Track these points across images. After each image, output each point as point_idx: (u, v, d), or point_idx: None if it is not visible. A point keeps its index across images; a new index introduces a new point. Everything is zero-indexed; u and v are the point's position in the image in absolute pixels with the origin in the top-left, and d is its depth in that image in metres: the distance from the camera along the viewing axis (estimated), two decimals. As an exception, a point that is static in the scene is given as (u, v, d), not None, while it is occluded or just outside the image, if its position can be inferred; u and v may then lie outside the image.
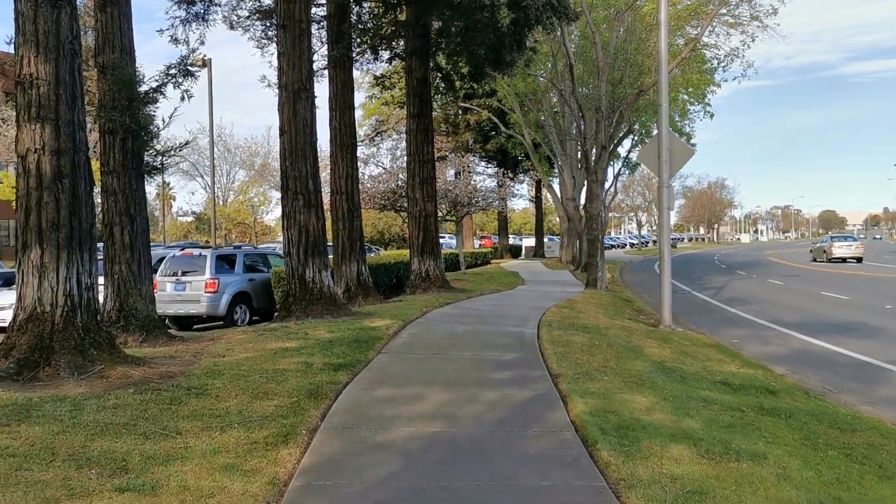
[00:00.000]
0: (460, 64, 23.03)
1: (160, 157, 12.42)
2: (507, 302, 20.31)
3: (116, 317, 11.99)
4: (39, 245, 8.43)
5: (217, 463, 5.72)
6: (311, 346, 11.26)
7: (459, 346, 11.85)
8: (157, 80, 12.04)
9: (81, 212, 8.69)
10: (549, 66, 33.66)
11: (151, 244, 48.57)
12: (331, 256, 19.07)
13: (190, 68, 11.95)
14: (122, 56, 11.98)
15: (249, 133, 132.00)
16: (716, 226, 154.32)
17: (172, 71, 11.90)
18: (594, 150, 26.06)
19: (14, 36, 8.60)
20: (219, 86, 71.36)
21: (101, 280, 14.33)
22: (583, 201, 42.30)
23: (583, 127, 26.85)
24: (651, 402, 8.22)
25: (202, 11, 18.18)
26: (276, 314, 19.02)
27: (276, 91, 15.83)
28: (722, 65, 29.04)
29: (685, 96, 33.80)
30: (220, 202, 63.80)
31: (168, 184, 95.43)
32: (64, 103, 8.56)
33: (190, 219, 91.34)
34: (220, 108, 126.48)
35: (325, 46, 22.39)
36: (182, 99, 12.12)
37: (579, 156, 39.04)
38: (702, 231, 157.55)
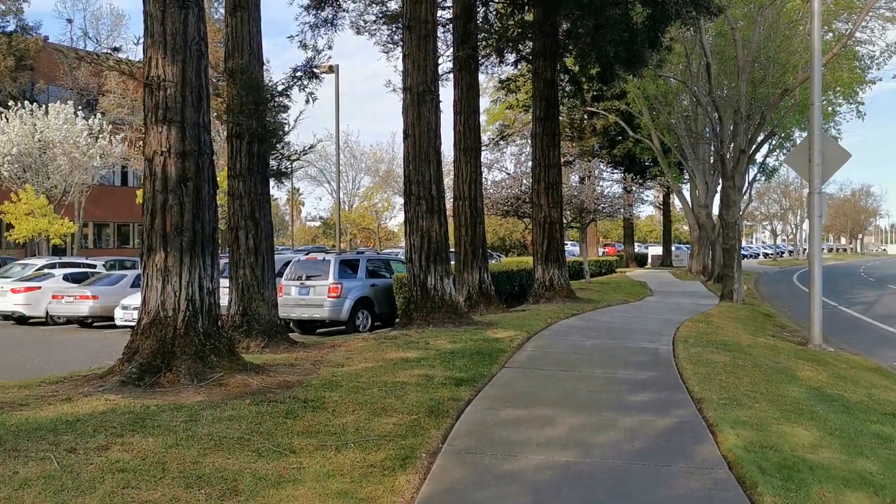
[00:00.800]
0: (588, 65, 22.16)
1: (285, 161, 12.31)
2: (636, 314, 19.27)
3: (239, 321, 11.94)
4: (163, 248, 8.34)
5: (331, 488, 5.27)
6: (432, 357, 10.79)
7: (589, 363, 11.08)
8: (283, 84, 11.93)
9: (205, 215, 8.56)
10: (681, 66, 32.11)
11: (280, 248, 49.71)
12: (452, 263, 18.69)
13: (315, 70, 11.79)
14: (250, 60, 11.95)
15: (375, 140, 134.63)
16: (859, 236, 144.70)
17: (298, 74, 11.77)
18: (731, 154, 24.51)
19: (143, 37, 8.57)
20: (345, 95, 73.04)
21: (225, 283, 14.56)
22: (716, 209, 40.28)
23: (719, 130, 25.30)
24: (815, 436, 7.21)
25: (330, 16, 18.20)
26: (397, 320, 18.82)
27: (401, 95, 15.56)
28: (876, 62, 26.73)
29: (831, 96, 31.42)
30: (346, 207, 65.12)
31: (297, 189, 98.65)
32: (190, 105, 8.45)
33: (317, 223, 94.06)
34: (346, 116, 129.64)
35: (450, 50, 22.08)
36: (307, 101, 11.99)
37: (713, 160, 37.17)
38: (843, 241, 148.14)
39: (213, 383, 7.99)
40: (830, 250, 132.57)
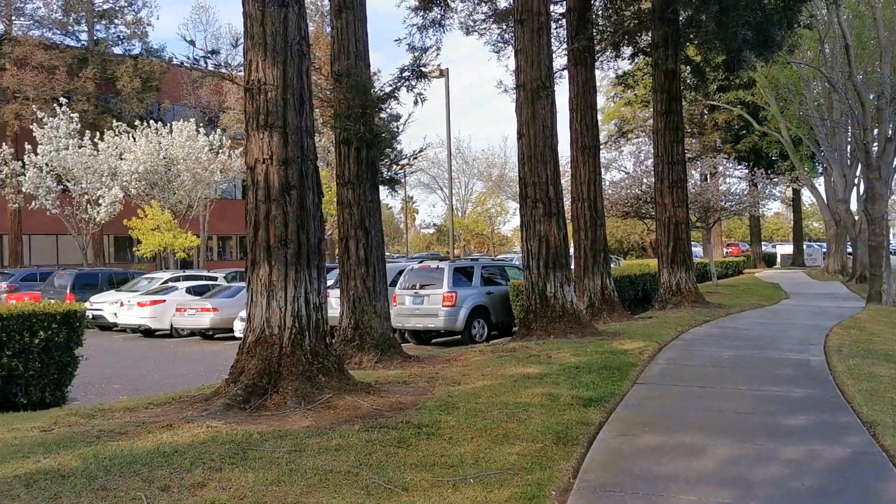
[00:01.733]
0: (713, 53, 20.70)
1: (395, 167, 11.75)
2: (774, 320, 17.69)
3: (351, 335, 11.45)
4: (267, 262, 7.87)
5: (448, 539, 4.53)
6: (556, 372, 9.92)
7: (731, 378, 9.92)
8: (390, 85, 11.38)
9: (309, 225, 8.04)
10: (813, 52, 29.86)
11: (395, 256, 50.05)
12: (571, 268, 17.70)
13: (423, 69, 11.17)
14: (356, 62, 11.47)
15: (486, 145, 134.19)
16: None
17: (405, 73, 11.17)
18: (876, 143, 22.37)
19: (242, 40, 8.16)
20: (455, 100, 72.92)
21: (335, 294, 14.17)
22: (854, 203, 37.35)
23: (860, 117, 23.17)
24: None
25: (438, 17, 17.63)
26: (514, 329, 18.00)
27: (513, 94, 14.76)
28: None
29: None
30: (459, 214, 64.84)
31: (411, 197, 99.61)
32: (291, 109, 7.96)
33: (431, 230, 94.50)
34: (457, 121, 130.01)
35: (563, 46, 21.13)
36: (416, 103, 11.39)
37: (852, 151, 34.44)
38: None
39: (322, 405, 7.43)
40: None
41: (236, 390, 7.52)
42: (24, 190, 36.09)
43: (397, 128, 11.83)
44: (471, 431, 6.83)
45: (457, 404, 7.87)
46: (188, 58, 8.60)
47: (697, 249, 44.54)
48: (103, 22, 53.51)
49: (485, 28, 21.11)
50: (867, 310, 20.22)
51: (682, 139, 20.45)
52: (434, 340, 19.54)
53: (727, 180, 33.27)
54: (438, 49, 12.69)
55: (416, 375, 10.00)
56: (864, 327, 15.60)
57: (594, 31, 18.97)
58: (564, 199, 20.13)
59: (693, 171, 33.85)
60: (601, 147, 21.49)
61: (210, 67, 8.27)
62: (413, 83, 11.28)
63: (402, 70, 11.20)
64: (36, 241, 51.31)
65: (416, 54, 11.23)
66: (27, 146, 35.94)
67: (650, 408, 8.22)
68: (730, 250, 66.16)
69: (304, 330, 7.91)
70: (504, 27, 21.16)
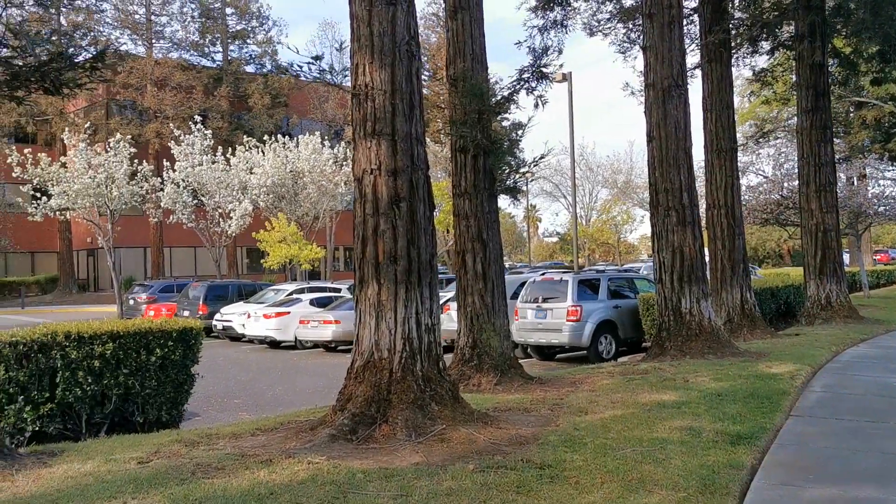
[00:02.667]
0: (865, 44, 18.82)
1: (514, 175, 11.02)
2: (945, 338, 15.72)
3: (469, 355, 10.78)
4: (376, 280, 7.30)
5: None
6: (695, 400, 8.88)
7: (905, 410, 8.57)
8: (508, 89, 10.67)
9: (420, 240, 7.42)
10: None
11: (518, 265, 49.08)
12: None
13: (543, 70, 10.39)
14: (472, 65, 10.83)
15: (611, 150, 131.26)
16: None
17: (525, 75, 10.43)
18: None
19: (349, 42, 7.65)
20: (579, 107, 71.41)
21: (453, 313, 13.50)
22: None
23: None
24: None
25: (560, 17, 16.78)
26: (643, 345, 16.84)
27: (640, 96, 13.75)
28: None
29: None
30: (583, 222, 63.31)
31: (534, 206, 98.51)
32: (400, 114, 7.38)
33: (554, 239, 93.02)
34: (580, 128, 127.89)
35: (694, 43, 19.80)
36: (536, 106, 10.64)
37: None
38: None
39: (434, 438, 6.76)
40: None
41: (343, 419, 6.98)
42: (162, 205, 37.78)
43: (517, 134, 11.11)
44: (600, 474, 5.97)
45: (584, 439, 7.02)
46: (292, 64, 8.16)
47: (843, 257, 41.30)
48: (237, 42, 55.78)
49: (609, 28, 20.06)
50: None
51: (831, 139, 18.68)
52: (558, 357, 18.65)
53: (880, 182, 30.51)
54: (560, 50, 11.90)
55: (538, 401, 9.20)
56: None
57: (730, 24, 17.55)
58: (699, 206, 18.87)
59: (840, 174, 31.25)
60: (738, 149, 19.95)
61: (316, 74, 7.79)
62: (533, 85, 10.54)
63: (521, 71, 10.47)
64: (176, 254, 53.91)
65: (536, 54, 10.46)
66: (165, 163, 37.62)
67: (811, 448, 7.08)
68: (878, 257, 61.38)
69: (415, 354, 7.28)
70: (630, 26, 20.05)
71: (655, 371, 11.24)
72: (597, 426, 7.60)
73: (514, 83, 10.64)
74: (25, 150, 33.15)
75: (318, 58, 7.68)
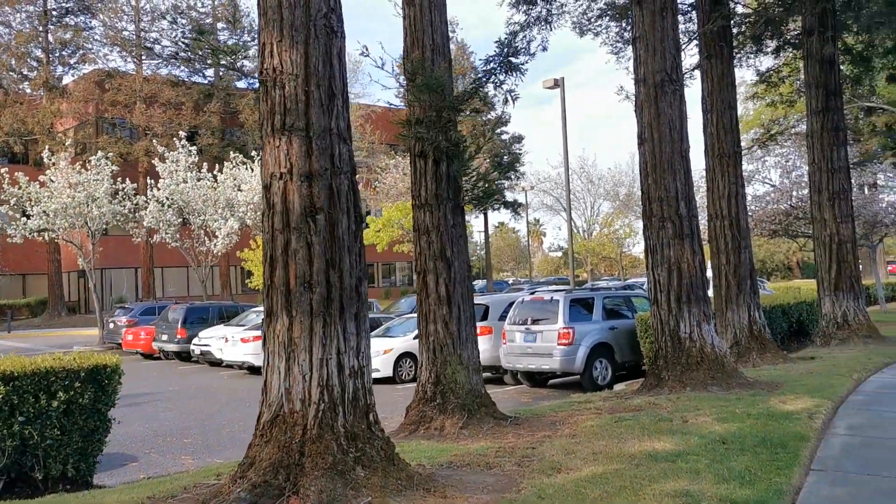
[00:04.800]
0: (878, 39, 17.34)
1: (482, 184, 9.52)
2: (977, 360, 14.08)
3: (431, 392, 9.25)
4: (286, 312, 5.81)
5: None
6: (694, 449, 7.32)
7: (952, 462, 7.00)
8: (473, 83, 9.20)
9: (343, 261, 5.92)
10: None
11: (521, 280, 47.59)
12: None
13: (513, 60, 8.90)
14: (433, 57, 9.37)
15: (613, 163, 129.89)
16: None
17: (491, 65, 8.95)
18: None
19: (257, 19, 6.19)
20: (580, 123, 70.07)
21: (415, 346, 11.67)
22: None
23: None
24: None
25: (544, 13, 15.35)
26: (643, 367, 15.29)
27: (634, 97, 12.24)
28: None
29: None
30: (585, 236, 61.75)
31: (537, 220, 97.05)
32: (316, 105, 5.91)
33: (559, 254, 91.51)
34: (582, 143, 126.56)
35: (693, 42, 18.38)
36: (505, 102, 9.14)
37: None
38: None
39: (359, 516, 5.24)
40: None
41: (240, 492, 5.46)
42: (146, 224, 36.45)
43: (487, 136, 9.63)
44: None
45: (549, 513, 5.49)
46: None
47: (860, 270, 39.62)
48: (229, 58, 54.54)
49: (600, 26, 18.62)
50: None
51: (845, 141, 17.13)
52: (551, 382, 17.10)
53: (895, 190, 28.92)
54: (545, 48, 10.48)
55: (505, 452, 7.65)
56: None
57: (730, 12, 16.02)
58: (700, 217, 17.35)
59: (852, 182, 29.70)
60: (742, 154, 18.46)
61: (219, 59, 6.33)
62: (501, 78, 9.05)
63: (486, 61, 8.99)
64: (168, 274, 52.59)
65: (504, 43, 8.99)
66: (150, 181, 36.30)
67: (841, 523, 5.54)
68: (891, 268, 59.63)
69: (336, 405, 5.77)
70: (623, 25, 18.62)
71: (650, 408, 9.69)
72: (569, 492, 6.05)
73: (479, 76, 9.17)
74: (1, 170, 31.96)
75: (201, 32, 6.21)
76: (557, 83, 23.81)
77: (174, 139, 37.23)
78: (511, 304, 17.60)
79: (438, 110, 8.86)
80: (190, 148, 36.76)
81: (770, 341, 14.63)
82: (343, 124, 6.07)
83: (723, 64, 14.95)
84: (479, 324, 17.93)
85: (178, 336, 26.98)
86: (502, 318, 17.54)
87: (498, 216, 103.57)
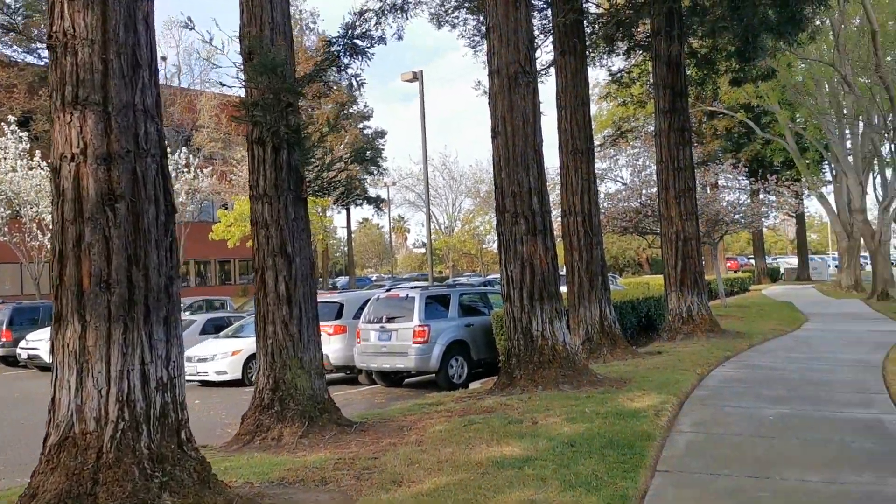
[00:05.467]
0: (721, 42, 17.96)
1: (326, 173, 8.86)
2: (808, 353, 14.80)
3: (269, 399, 8.52)
4: (78, 317, 4.97)
5: None
6: (542, 454, 7.01)
7: (790, 458, 7.01)
8: (315, 66, 8.53)
9: (149, 257, 5.14)
10: (825, 46, 27.24)
11: (385, 276, 47.12)
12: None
13: (358, 42, 8.30)
14: (272, 35, 8.62)
15: (474, 160, 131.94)
16: None
17: (335, 48, 8.31)
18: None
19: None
20: (443, 119, 70.31)
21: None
22: (872, 213, 34.67)
23: (892, 115, 20.48)
24: None
25: (400, 2, 14.84)
26: (499, 364, 15.12)
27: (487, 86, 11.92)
28: None
29: None
30: (447, 232, 61.98)
31: (402, 217, 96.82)
32: (117, 75, 5.09)
33: (423, 250, 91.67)
34: (444, 138, 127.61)
35: (549, 39, 18.47)
36: (350, 87, 8.55)
37: (868, 155, 31.73)
38: None
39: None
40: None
41: (16, 531, 4.58)
42: (-33, 216, 33.20)
43: (333, 123, 9.00)
44: None
45: (382, 538, 4.95)
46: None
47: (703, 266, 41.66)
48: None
49: (457, 18, 18.33)
50: (911, 335, 17.34)
51: (690, 141, 17.62)
52: (407, 381, 16.66)
53: (733, 192, 30.46)
54: (400, 37, 9.93)
55: (345, 463, 7.07)
56: (925, 363, 12.71)
57: (581, 6, 16.03)
58: (554, 213, 17.37)
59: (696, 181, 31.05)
60: (596, 151, 18.70)
61: None
62: (345, 62, 8.43)
63: (329, 43, 8.34)
64: (2, 271, 48.39)
65: (348, 24, 8.37)
66: (-26, 169, 33.05)
67: (687, 529, 5.32)
68: (729, 265, 63.50)
69: (139, 423, 4.98)
70: (480, 18, 18.40)
71: (501, 409, 9.38)
72: (408, 507, 5.55)
73: (321, 59, 8.51)
74: None
75: None
76: (416, 76, 23.37)
77: (2, 124, 34.13)
78: (367, 302, 17.03)
79: (277, 93, 8.14)
80: (21, 134, 33.80)
81: (620, 337, 14.79)
82: (150, 100, 5.27)
83: (576, 60, 14.95)
84: (333, 322, 17.40)
85: (3, 339, 24.69)
86: (357, 316, 16.94)
87: (361, 212, 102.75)
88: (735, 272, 53.09)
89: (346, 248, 70.38)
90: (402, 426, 8.84)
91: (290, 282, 8.68)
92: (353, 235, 74.06)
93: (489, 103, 11.39)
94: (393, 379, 16.29)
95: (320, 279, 57.70)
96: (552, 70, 16.94)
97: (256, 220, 8.80)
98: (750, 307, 27.01)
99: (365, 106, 67.70)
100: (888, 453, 7.05)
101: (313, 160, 8.80)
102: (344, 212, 67.07)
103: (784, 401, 9.61)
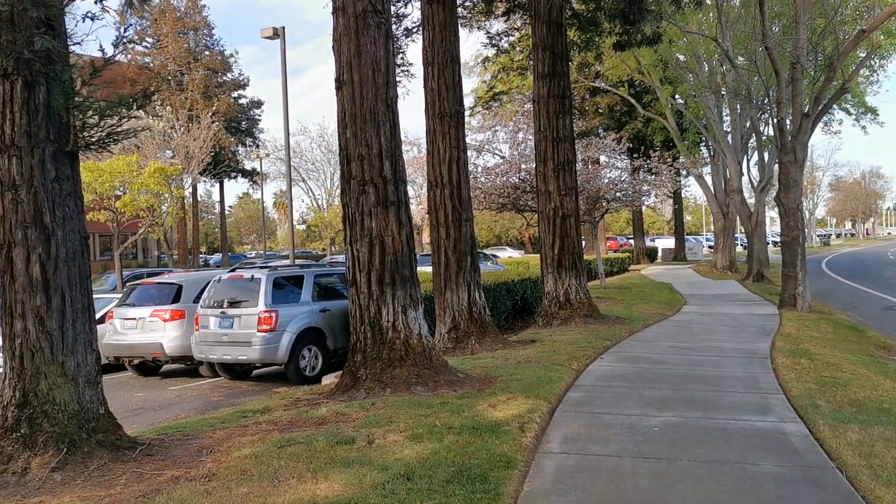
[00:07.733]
0: (606, 2, 16.64)
1: (103, 122, 6.72)
2: (690, 340, 13.72)
3: (15, 419, 6.36)
4: None
5: None
6: (367, 495, 5.25)
7: (682, 492, 5.52)
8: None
9: None
10: (707, 18, 26.67)
11: (267, 253, 44.34)
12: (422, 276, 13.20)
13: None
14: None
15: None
16: (871, 220, 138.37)
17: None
18: (790, 120, 18.99)
19: None
20: (327, 96, 67.22)
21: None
22: (747, 193, 34.82)
23: (774, 90, 19.81)
24: None
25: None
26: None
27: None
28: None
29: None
30: (325, 206, 59.43)
31: (283, 191, 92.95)
32: None
33: (303, 227, 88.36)
34: (324, 111, 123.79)
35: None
36: (129, 5, 6.39)
37: (747, 134, 31.63)
38: (848, 226, 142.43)
39: None
40: (838, 236, 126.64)
41: None
42: None
43: (104, 52, 6.85)
44: None
45: None
46: None
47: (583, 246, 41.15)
48: None
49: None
50: (788, 320, 16.70)
51: (570, 109, 16.20)
52: (255, 373, 14.66)
53: (615, 170, 29.71)
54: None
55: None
56: (811, 353, 11.76)
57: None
58: (408, 181, 15.64)
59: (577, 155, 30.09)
60: (470, 120, 17.02)
61: None
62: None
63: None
64: None
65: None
66: None
67: None
68: (608, 245, 64.00)
69: None
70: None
71: (335, 420, 7.56)
72: None
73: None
74: None
75: None
76: (277, 33, 21.05)
77: None
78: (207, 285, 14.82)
79: (12, 5, 5.93)
80: None
81: (490, 324, 13.24)
82: None
83: (445, 12, 13.14)
84: (169, 307, 15.05)
85: None
86: (199, 300, 14.73)
87: (237, 186, 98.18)
88: (615, 252, 53.28)
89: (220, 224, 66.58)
90: (202, 447, 6.88)
91: (47, 262, 6.51)
92: (231, 210, 70.05)
93: (333, 47, 9.43)
94: (238, 371, 14.28)
95: (190, 256, 54.01)
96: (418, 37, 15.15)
97: (2, 180, 6.57)
98: (630, 288, 26.27)
99: (240, 74, 64.03)
100: (800, 480, 5.67)
101: (82, 103, 6.63)
102: (217, 185, 63.33)
103: (670, 404, 8.23)
